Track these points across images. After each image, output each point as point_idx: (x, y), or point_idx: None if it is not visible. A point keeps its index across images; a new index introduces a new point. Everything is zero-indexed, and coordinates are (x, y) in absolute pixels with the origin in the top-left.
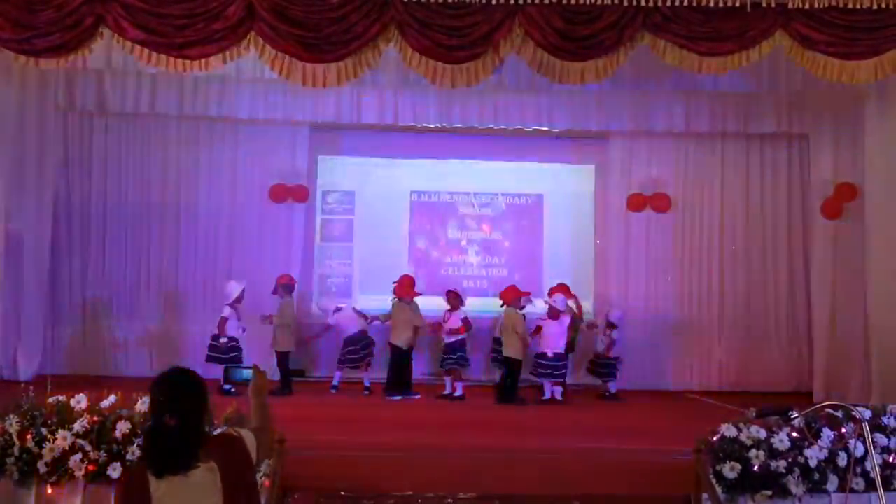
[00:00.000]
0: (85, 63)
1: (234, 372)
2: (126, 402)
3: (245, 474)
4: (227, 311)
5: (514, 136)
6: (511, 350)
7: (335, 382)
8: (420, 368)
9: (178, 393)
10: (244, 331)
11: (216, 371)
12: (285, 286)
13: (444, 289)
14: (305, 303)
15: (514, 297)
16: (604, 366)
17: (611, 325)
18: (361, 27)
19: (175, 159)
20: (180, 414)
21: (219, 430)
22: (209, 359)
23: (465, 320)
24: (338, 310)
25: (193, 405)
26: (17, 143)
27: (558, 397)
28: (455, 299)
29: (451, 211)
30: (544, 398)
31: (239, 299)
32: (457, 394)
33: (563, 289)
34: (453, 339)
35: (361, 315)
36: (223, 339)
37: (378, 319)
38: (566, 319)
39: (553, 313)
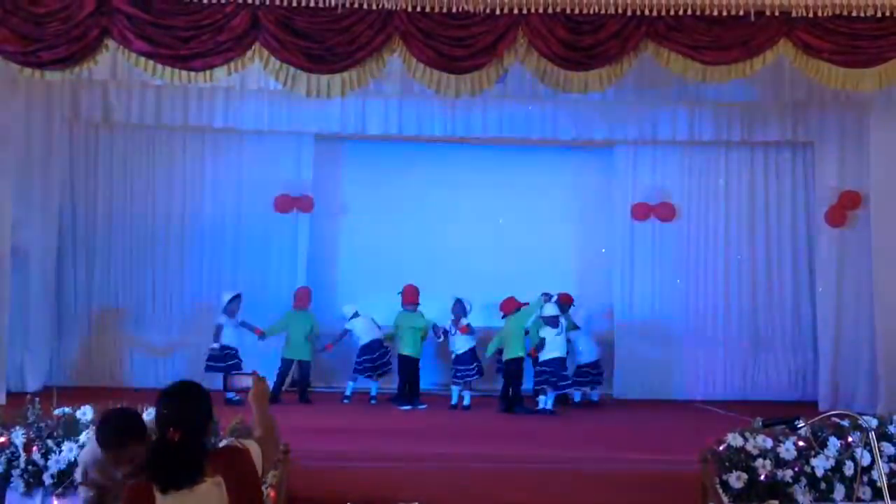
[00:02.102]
0: (90, 75)
1: (234, 379)
2: None
3: (251, 488)
4: (221, 319)
5: (519, 146)
6: (511, 351)
7: (348, 393)
8: (427, 379)
9: (183, 406)
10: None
11: (218, 381)
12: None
13: (449, 297)
14: (316, 314)
15: (513, 308)
16: (589, 373)
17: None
18: (366, 38)
19: (180, 170)
20: (185, 427)
21: (224, 443)
22: (208, 368)
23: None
24: (356, 315)
25: (198, 418)
26: (23, 154)
27: (549, 407)
28: (459, 307)
29: (455, 219)
30: (545, 408)
31: (233, 308)
32: (465, 403)
33: (565, 298)
34: (463, 350)
35: (378, 326)
36: (214, 345)
37: (386, 339)
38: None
39: (553, 322)
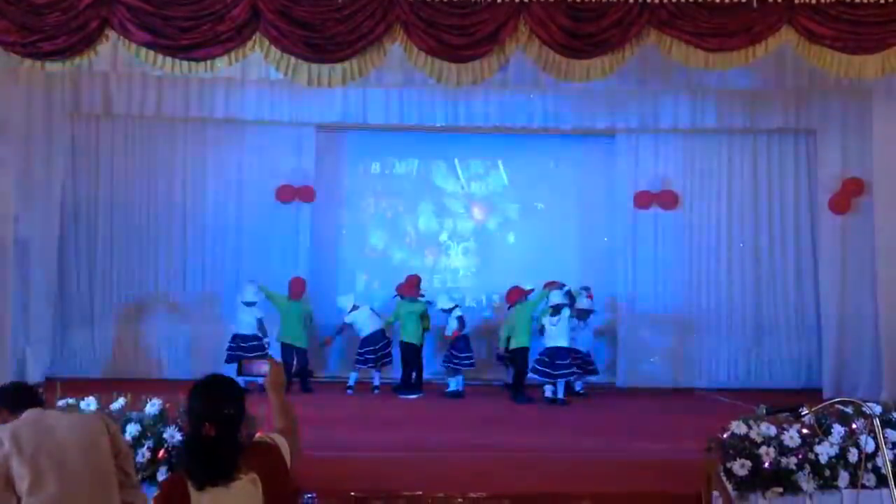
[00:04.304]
0: (90, 66)
1: (249, 365)
2: (135, 404)
3: (285, 484)
4: (240, 311)
5: (520, 134)
6: (518, 340)
7: (351, 383)
8: (429, 368)
9: (219, 401)
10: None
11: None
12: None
13: (448, 288)
14: (317, 304)
15: (518, 296)
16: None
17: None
18: (367, 27)
19: (182, 161)
20: (220, 422)
21: (256, 438)
22: (229, 358)
23: (461, 319)
24: (354, 308)
25: (233, 413)
26: (24, 146)
27: (561, 395)
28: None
29: (458, 210)
30: (550, 397)
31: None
32: (450, 389)
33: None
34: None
35: (378, 315)
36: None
37: (386, 325)
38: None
39: (554, 309)
